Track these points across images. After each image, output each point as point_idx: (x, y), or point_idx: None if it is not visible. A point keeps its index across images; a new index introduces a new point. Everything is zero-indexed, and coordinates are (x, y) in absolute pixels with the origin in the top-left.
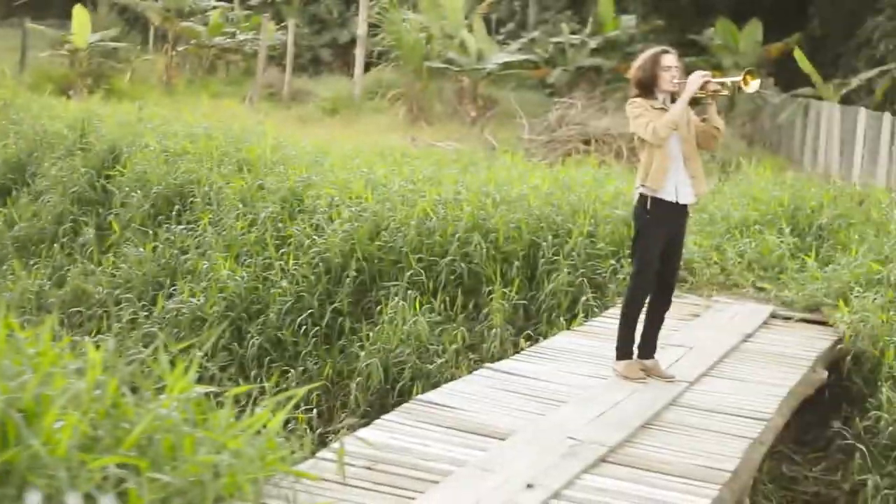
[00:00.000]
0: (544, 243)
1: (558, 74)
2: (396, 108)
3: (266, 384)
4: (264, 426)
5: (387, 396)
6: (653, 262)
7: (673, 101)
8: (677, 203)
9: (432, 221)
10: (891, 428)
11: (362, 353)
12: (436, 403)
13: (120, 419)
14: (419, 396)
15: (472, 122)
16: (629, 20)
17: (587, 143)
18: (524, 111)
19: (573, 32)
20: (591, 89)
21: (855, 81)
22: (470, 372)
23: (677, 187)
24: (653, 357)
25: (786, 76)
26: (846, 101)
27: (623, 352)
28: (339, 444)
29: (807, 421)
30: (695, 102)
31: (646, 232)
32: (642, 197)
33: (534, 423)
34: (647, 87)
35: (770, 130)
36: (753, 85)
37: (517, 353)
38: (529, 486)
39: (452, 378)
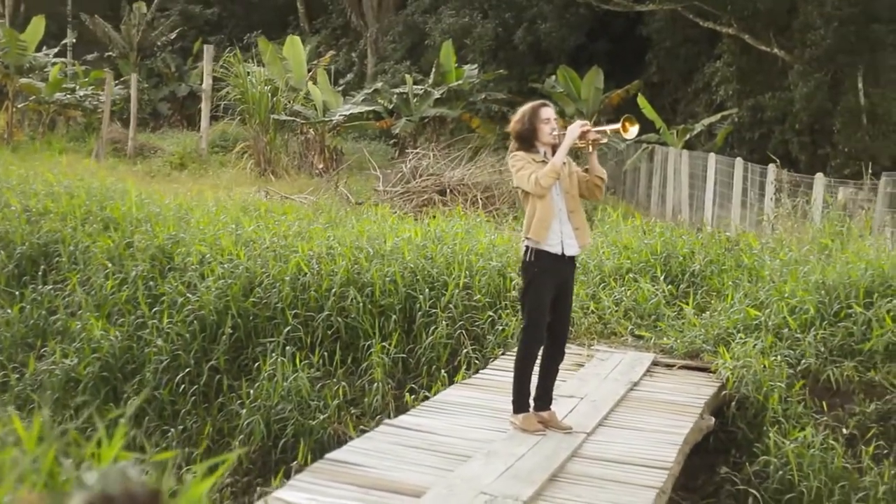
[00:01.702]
0: (421, 296)
1: (403, 124)
2: (244, 161)
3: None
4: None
5: (269, 454)
6: (543, 314)
7: (554, 153)
8: (563, 255)
9: (306, 276)
10: (780, 472)
11: (243, 411)
12: (344, 462)
13: (58, 490)
14: (327, 456)
15: (319, 174)
16: (472, 69)
17: (442, 193)
18: (371, 163)
19: (416, 83)
20: (436, 139)
21: (699, 126)
22: (355, 427)
23: (562, 240)
24: (549, 408)
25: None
26: (688, 145)
27: (520, 405)
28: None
29: (694, 466)
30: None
31: (534, 284)
32: (528, 249)
33: (444, 479)
34: (528, 140)
35: (615, 177)
36: (633, 131)
37: (398, 406)
38: None
39: (335, 433)
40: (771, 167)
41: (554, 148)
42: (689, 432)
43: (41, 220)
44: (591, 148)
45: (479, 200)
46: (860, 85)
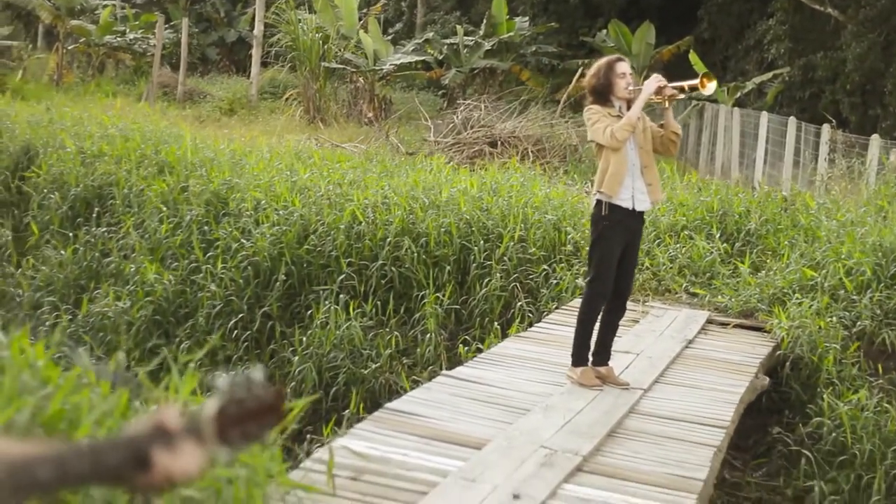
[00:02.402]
0: (475, 248)
1: (453, 75)
2: (293, 108)
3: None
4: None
5: (320, 402)
6: (610, 268)
7: (629, 108)
8: (633, 210)
9: (361, 225)
10: (833, 434)
11: (295, 358)
12: (404, 412)
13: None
14: (387, 405)
15: (368, 122)
16: (523, 22)
17: (493, 145)
18: (419, 112)
19: (467, 34)
20: (486, 90)
21: (749, 85)
22: (407, 378)
23: (633, 195)
24: (607, 364)
25: (677, 78)
26: (738, 103)
27: (579, 358)
28: (329, 454)
29: (746, 426)
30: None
31: (603, 238)
32: (599, 203)
33: (503, 432)
34: (603, 94)
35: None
36: (710, 87)
37: (450, 357)
38: (516, 496)
39: (387, 383)
40: (825, 127)
41: (629, 103)
42: (744, 391)
43: (95, 163)
44: (667, 103)
45: (530, 153)
46: None
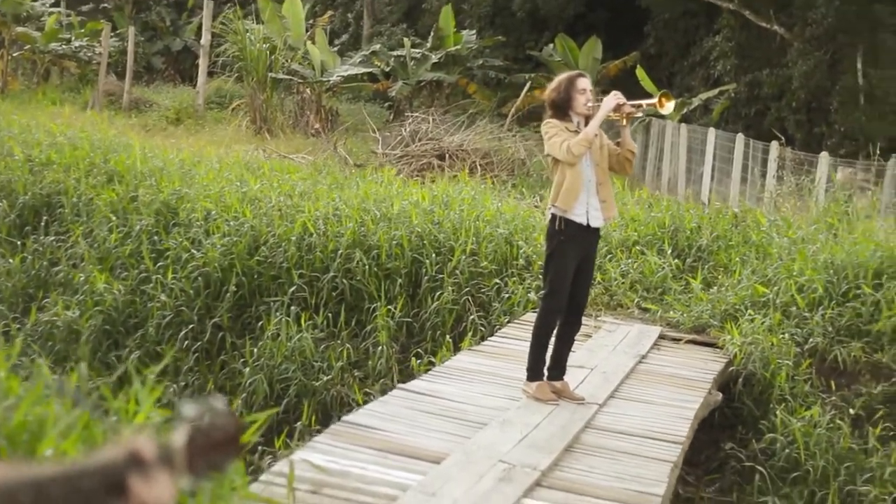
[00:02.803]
0: (427, 261)
1: (400, 87)
2: (239, 118)
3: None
4: None
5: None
6: (565, 283)
7: (587, 124)
8: (588, 226)
9: (312, 237)
10: (786, 450)
11: (246, 370)
12: (361, 425)
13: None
14: (344, 418)
15: (315, 133)
16: (470, 35)
17: (441, 158)
18: (366, 124)
19: (414, 46)
20: (432, 103)
21: (696, 101)
22: (359, 390)
23: (588, 210)
24: (563, 379)
25: (624, 94)
26: (683, 119)
27: (534, 373)
28: (290, 467)
29: (699, 441)
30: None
31: (557, 253)
32: (553, 217)
33: (461, 446)
34: (562, 109)
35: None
36: (669, 106)
37: (402, 370)
38: None
39: (339, 395)
40: (774, 144)
41: (587, 119)
42: (699, 407)
43: (44, 171)
44: (625, 121)
45: (479, 166)
46: (859, 65)
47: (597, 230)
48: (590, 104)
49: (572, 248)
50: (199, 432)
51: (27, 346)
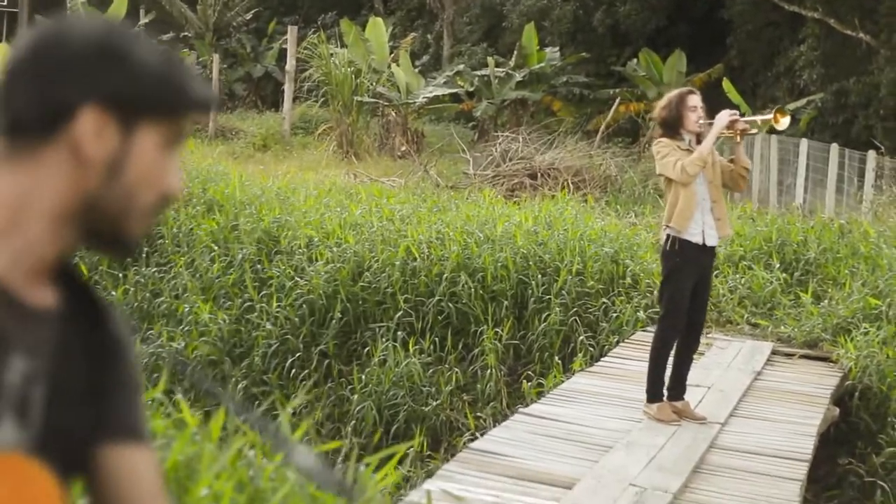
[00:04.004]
0: (533, 282)
1: (484, 107)
2: (325, 143)
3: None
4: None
5: (380, 440)
6: (682, 303)
7: (699, 142)
8: (704, 245)
9: (416, 262)
10: None
11: (354, 397)
12: (488, 452)
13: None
14: (470, 445)
15: (402, 156)
16: (553, 52)
17: (533, 177)
18: (452, 145)
19: (498, 65)
20: (517, 122)
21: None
22: (469, 415)
23: (704, 229)
24: (683, 398)
25: (710, 106)
26: (771, 130)
27: (654, 394)
28: (427, 498)
29: (817, 457)
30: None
31: (674, 275)
32: (669, 238)
33: (590, 470)
34: (673, 127)
35: None
36: (784, 122)
37: (510, 392)
38: None
39: (448, 420)
40: (871, 153)
41: (698, 136)
42: (820, 423)
43: None
44: (738, 138)
45: (570, 185)
46: None
47: (712, 249)
48: (701, 121)
49: (689, 268)
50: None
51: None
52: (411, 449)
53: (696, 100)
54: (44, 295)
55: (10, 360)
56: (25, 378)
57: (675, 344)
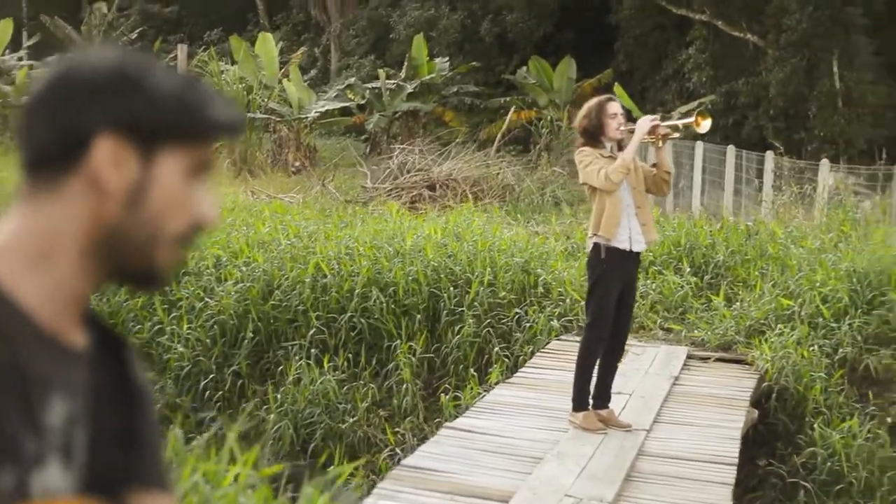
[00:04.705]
0: (445, 295)
1: (377, 120)
2: (220, 160)
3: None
4: None
5: (297, 459)
6: (609, 311)
7: (620, 149)
8: (630, 251)
9: (327, 278)
10: (828, 463)
11: (270, 416)
12: (420, 468)
13: None
14: (403, 462)
15: (296, 171)
16: (443, 62)
17: (432, 188)
18: (345, 159)
19: (389, 77)
20: (409, 134)
21: (675, 115)
22: (386, 430)
23: (630, 235)
24: (608, 406)
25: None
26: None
27: (580, 403)
28: None
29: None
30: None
31: (601, 282)
32: (596, 246)
33: (524, 483)
34: (594, 135)
35: None
36: (705, 125)
37: (427, 406)
38: None
39: (366, 436)
40: (769, 154)
41: (620, 143)
42: (743, 426)
43: None
44: (661, 143)
45: (469, 195)
46: (835, 69)
47: (638, 255)
48: (622, 128)
49: (615, 275)
50: None
51: None
52: (331, 467)
53: (615, 107)
54: (75, 334)
55: (51, 401)
56: (68, 420)
57: (601, 352)
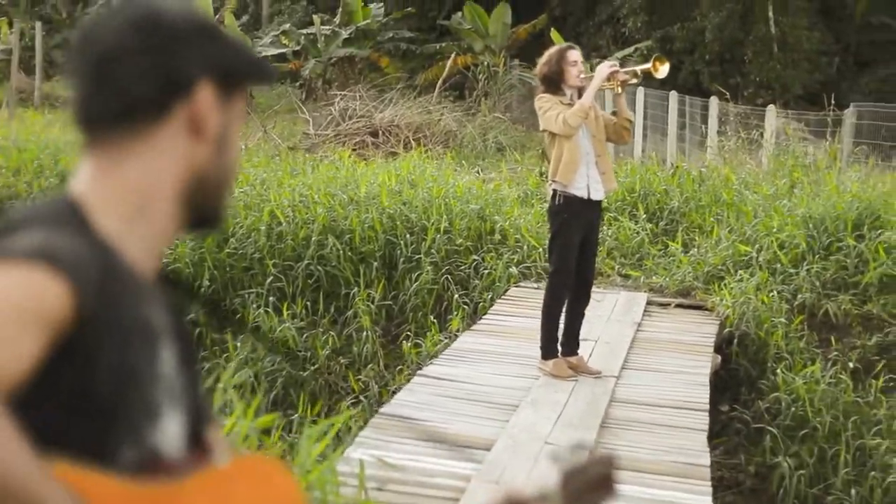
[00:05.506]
0: (401, 242)
1: (312, 66)
2: None
3: None
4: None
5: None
6: (571, 258)
7: (580, 97)
8: (589, 199)
9: (282, 226)
10: (792, 408)
11: (231, 365)
12: (400, 416)
13: None
14: (381, 410)
15: None
16: (378, 8)
17: (374, 135)
18: (283, 106)
19: (323, 23)
20: (345, 80)
21: (612, 60)
22: (344, 378)
23: (589, 183)
24: (577, 353)
25: (533, 57)
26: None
27: (549, 350)
28: (360, 467)
29: None
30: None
31: (563, 230)
32: (555, 193)
33: (503, 431)
34: (554, 82)
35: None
36: (663, 70)
37: (388, 353)
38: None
39: (327, 384)
40: (713, 99)
41: (580, 91)
42: (710, 371)
43: None
44: (619, 89)
45: (412, 141)
46: (770, 13)
47: (598, 203)
48: (582, 76)
49: (576, 223)
50: (574, 474)
51: None
52: (295, 416)
53: (575, 55)
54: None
55: (161, 349)
56: (174, 367)
57: (567, 300)
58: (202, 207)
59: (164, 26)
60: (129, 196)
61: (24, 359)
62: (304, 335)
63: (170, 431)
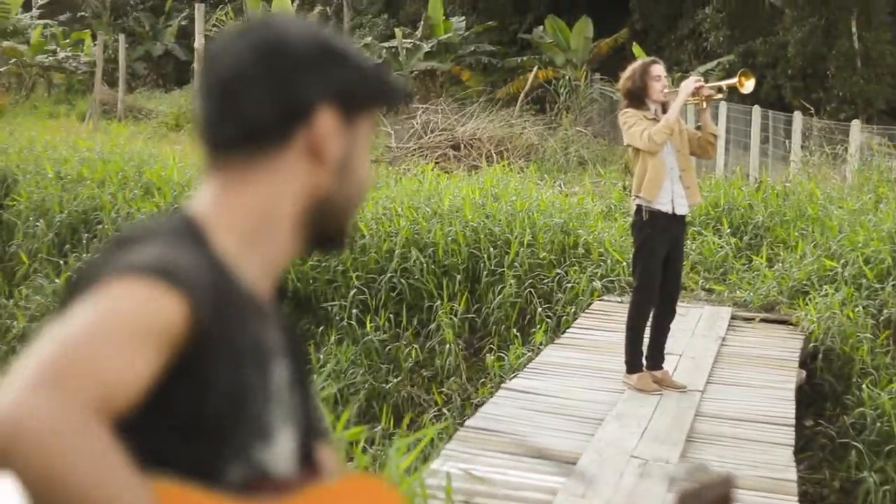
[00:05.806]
0: (485, 255)
1: None
2: None
3: None
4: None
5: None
6: (656, 273)
7: (664, 111)
8: (674, 214)
9: (365, 238)
10: (878, 424)
11: (317, 377)
12: (485, 429)
13: None
14: (467, 423)
15: None
16: (459, 21)
17: (456, 148)
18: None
19: (405, 36)
20: (426, 93)
21: (694, 75)
22: (426, 390)
23: (673, 198)
24: (662, 367)
25: (614, 71)
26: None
27: (634, 365)
28: (447, 480)
29: None
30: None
31: (647, 244)
32: (639, 208)
33: (589, 444)
34: (638, 97)
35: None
36: (749, 85)
37: (469, 366)
38: None
39: (409, 396)
40: (797, 114)
41: (664, 105)
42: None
43: (77, 187)
44: (704, 104)
45: (493, 154)
46: (854, 28)
47: (683, 218)
48: (666, 90)
49: (660, 238)
50: (692, 495)
51: None
52: (378, 428)
53: (659, 69)
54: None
55: (274, 368)
56: (286, 384)
57: (652, 314)
58: (324, 229)
59: (284, 53)
60: (249, 217)
61: (138, 376)
62: (388, 347)
63: (280, 449)
